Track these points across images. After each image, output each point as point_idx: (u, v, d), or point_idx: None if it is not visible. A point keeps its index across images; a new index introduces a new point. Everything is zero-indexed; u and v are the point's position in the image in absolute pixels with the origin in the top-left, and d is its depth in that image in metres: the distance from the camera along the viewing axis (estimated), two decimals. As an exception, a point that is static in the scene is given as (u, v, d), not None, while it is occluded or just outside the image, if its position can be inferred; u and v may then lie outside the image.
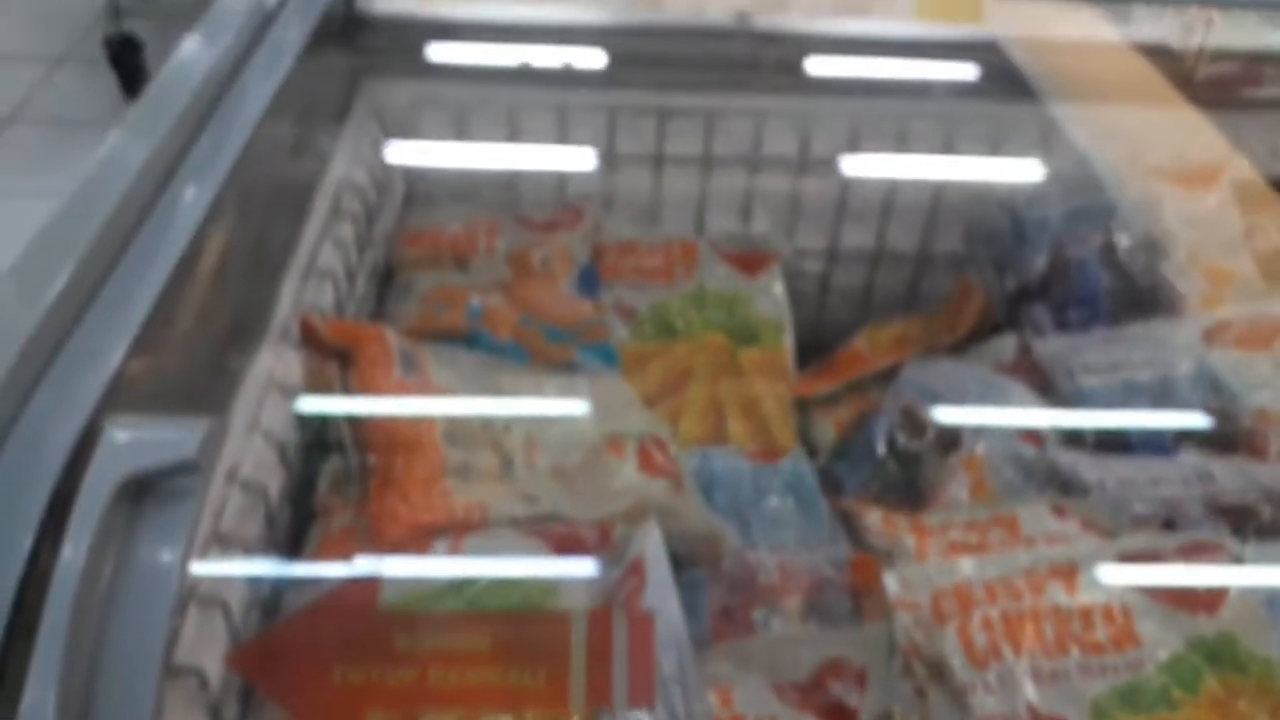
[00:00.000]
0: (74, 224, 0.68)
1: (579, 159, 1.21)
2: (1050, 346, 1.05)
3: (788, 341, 1.15)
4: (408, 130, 1.16)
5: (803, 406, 1.12)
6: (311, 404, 0.77)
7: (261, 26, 0.93)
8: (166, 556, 0.48)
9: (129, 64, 3.08)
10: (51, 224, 0.68)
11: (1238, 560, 0.72)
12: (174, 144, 0.76)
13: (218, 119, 0.81)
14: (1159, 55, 1.19)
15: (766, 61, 1.14)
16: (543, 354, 1.03)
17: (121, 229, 0.68)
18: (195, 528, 0.48)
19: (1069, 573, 0.71)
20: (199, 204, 0.73)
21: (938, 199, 1.24)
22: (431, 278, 1.08)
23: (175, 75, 0.84)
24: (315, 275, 0.89)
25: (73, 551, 0.46)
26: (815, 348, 1.20)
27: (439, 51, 1.13)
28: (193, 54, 0.87)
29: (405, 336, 0.89)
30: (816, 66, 1.15)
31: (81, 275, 0.62)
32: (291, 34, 0.94)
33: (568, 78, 1.16)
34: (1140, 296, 1.08)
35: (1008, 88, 1.19)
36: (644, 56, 1.14)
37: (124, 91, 3.10)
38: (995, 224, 1.19)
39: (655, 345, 1.11)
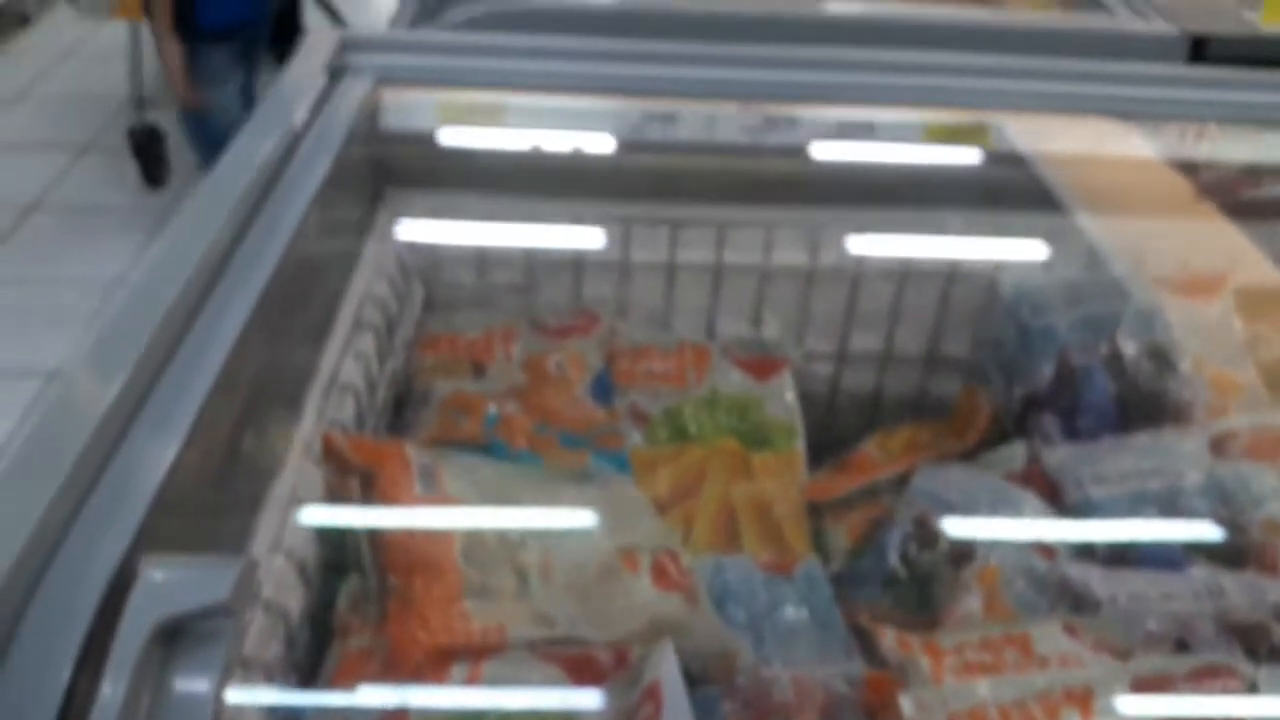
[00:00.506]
0: (116, 342, 0.70)
1: (594, 266, 1.24)
2: (1059, 456, 1.06)
3: (800, 445, 1.16)
4: (429, 238, 1.19)
5: (815, 510, 1.13)
6: (332, 521, 0.79)
7: (290, 145, 0.96)
8: (199, 695, 0.49)
9: (151, 154, 3.16)
10: (93, 344, 0.70)
11: (1251, 685, 0.72)
12: (208, 265, 0.78)
13: (250, 239, 0.83)
14: (1162, 166, 1.22)
15: (776, 176, 1.18)
16: (558, 460, 1.05)
17: (161, 347, 0.70)
18: (227, 667, 0.49)
19: (1083, 697, 0.72)
20: (233, 324, 0.75)
21: (944, 304, 1.26)
22: (449, 385, 1.10)
23: (207, 196, 0.87)
24: (337, 390, 0.91)
25: (111, 690, 0.48)
26: (826, 449, 1.21)
27: (460, 162, 1.17)
28: (223, 175, 0.90)
29: (424, 446, 0.91)
30: (825, 178, 1.19)
31: (123, 396, 0.64)
32: (319, 151, 0.97)
33: (584, 189, 1.20)
34: (1147, 405, 1.09)
35: (1013, 196, 1.23)
36: (657, 171, 1.18)
37: (146, 181, 3.17)
38: (1002, 331, 1.21)
39: (668, 450, 1.13)
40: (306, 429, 0.85)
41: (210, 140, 2.76)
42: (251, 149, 0.94)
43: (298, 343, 0.90)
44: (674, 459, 1.11)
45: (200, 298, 0.76)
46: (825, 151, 1.16)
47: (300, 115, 1.00)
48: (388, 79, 1.11)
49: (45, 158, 3.38)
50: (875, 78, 1.15)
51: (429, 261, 1.21)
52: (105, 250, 2.85)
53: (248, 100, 2.95)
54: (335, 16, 3.98)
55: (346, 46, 1.11)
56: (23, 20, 3.77)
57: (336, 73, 1.09)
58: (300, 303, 0.90)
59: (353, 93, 1.06)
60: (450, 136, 1.15)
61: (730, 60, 1.15)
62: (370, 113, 1.09)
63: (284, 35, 3.97)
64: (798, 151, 1.14)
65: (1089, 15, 1.41)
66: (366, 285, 1.05)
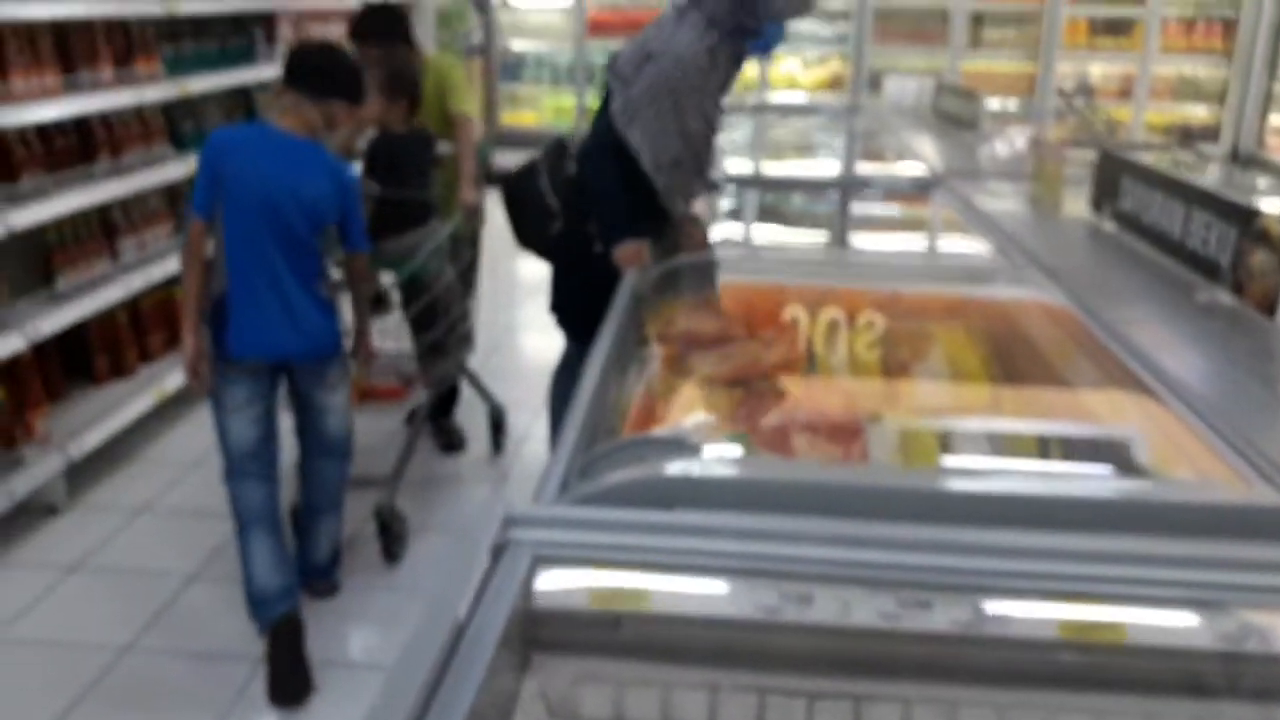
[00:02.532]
0: None
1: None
2: None
3: None
4: (570, 706, 1.23)
5: None
6: None
7: (458, 633, 1.04)
8: None
9: (392, 533, 3.46)
10: None
11: None
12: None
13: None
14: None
15: (912, 656, 1.19)
16: None
17: None
18: None
19: None
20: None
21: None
22: None
23: (390, 688, 0.94)
24: None
25: None
26: None
27: (604, 633, 1.23)
28: (400, 671, 0.97)
29: None
30: (962, 660, 1.20)
31: None
32: (485, 638, 1.04)
33: (719, 659, 1.24)
34: None
35: (1150, 683, 1.21)
36: (792, 645, 1.22)
37: (385, 557, 3.45)
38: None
39: None
40: None
41: (228, 456, 2.82)
42: (429, 638, 1.02)
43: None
44: None
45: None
46: (961, 635, 1.17)
47: (467, 602, 1.08)
48: (542, 555, 1.20)
49: (210, 525, 3.62)
50: (1010, 563, 1.18)
51: (569, 728, 1.24)
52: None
53: (308, 434, 3.02)
54: (487, 395, 4.33)
55: (508, 524, 1.22)
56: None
57: (498, 550, 1.19)
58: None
59: (513, 573, 1.15)
60: (597, 608, 1.22)
61: (863, 541, 1.20)
62: (525, 588, 1.17)
63: (444, 407, 4.38)
64: (934, 636, 1.16)
65: (1228, 479, 1.44)
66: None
